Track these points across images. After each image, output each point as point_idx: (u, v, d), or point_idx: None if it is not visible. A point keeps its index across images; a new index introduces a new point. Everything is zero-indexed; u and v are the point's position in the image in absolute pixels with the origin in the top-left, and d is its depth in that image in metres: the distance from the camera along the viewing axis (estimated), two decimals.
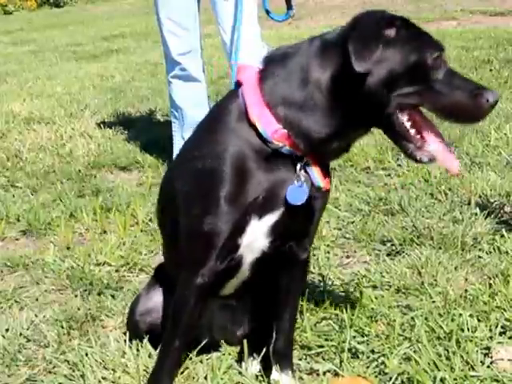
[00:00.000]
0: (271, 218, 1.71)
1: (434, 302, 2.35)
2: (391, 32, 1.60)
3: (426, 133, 1.67)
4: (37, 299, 2.65)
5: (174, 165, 2.01)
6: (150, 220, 3.32)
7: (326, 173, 1.76)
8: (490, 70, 6.24)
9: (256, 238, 1.73)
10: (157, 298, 2.09)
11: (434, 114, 1.65)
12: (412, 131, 1.66)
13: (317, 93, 1.63)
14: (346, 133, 1.68)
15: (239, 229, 1.70)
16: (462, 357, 1.99)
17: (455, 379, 1.89)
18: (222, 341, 2.10)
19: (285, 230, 1.74)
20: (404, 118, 1.64)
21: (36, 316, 2.50)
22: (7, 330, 2.37)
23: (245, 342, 2.01)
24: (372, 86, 1.58)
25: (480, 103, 1.61)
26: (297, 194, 1.68)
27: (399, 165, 3.86)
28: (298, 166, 1.68)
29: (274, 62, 1.70)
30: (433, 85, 1.61)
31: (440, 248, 2.79)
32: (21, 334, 2.35)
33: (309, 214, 1.77)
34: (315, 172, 1.71)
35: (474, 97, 1.61)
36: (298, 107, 1.65)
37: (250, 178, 1.67)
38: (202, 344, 2.04)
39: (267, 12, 3.26)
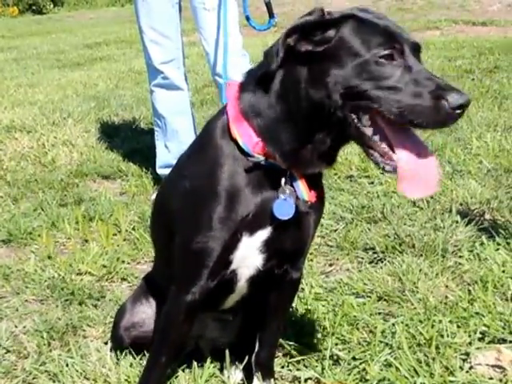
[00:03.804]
0: (263, 234, 1.67)
1: (414, 308, 2.37)
2: (293, 39, 1.54)
3: (396, 140, 1.51)
4: (17, 309, 2.63)
5: (167, 181, 2.00)
6: (133, 229, 3.31)
7: (315, 186, 1.70)
8: (472, 80, 6.32)
9: (249, 254, 1.70)
10: (143, 312, 2.08)
11: (390, 117, 1.47)
12: (375, 137, 1.52)
13: (277, 102, 1.60)
14: (313, 141, 1.58)
15: (230, 246, 1.67)
16: (441, 362, 2.01)
17: None
18: (205, 349, 2.10)
19: (279, 245, 1.71)
20: (364, 123, 1.51)
21: (16, 327, 2.48)
22: None
23: (227, 350, 2.02)
24: (310, 90, 1.53)
25: (440, 106, 1.44)
26: (283, 208, 1.63)
27: (382, 173, 3.88)
28: (283, 180, 1.63)
29: (250, 74, 1.69)
30: (382, 85, 1.46)
31: (421, 255, 2.81)
32: (0, 345, 2.33)
33: (302, 229, 1.73)
34: (300, 185, 1.65)
35: (434, 98, 1.45)
36: (267, 118, 1.61)
37: (238, 194, 1.64)
38: (185, 352, 2.04)
39: (247, 18, 3.27)
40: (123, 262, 2.99)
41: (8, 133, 5.33)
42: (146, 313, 2.07)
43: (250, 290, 1.83)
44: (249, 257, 1.70)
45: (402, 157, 1.50)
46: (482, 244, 2.85)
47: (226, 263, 1.71)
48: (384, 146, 1.52)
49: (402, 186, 1.50)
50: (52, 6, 22.11)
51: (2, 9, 21.27)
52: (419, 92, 1.46)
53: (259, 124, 1.62)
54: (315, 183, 1.70)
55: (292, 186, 1.65)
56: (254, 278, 1.77)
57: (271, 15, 3.25)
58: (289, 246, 1.73)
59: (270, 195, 1.64)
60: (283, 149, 1.61)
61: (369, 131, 1.52)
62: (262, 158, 1.62)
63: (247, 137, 1.62)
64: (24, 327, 2.46)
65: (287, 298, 1.94)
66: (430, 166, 1.51)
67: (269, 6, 3.24)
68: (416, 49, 1.56)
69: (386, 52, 1.48)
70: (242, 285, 1.79)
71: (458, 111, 1.44)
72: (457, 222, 3.08)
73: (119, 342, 2.12)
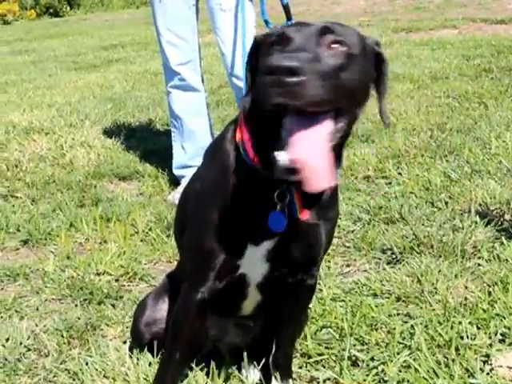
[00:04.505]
0: (268, 244, 1.65)
1: (433, 309, 2.36)
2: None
3: (297, 137, 1.36)
4: (37, 309, 2.66)
5: (187, 183, 2.01)
6: (150, 229, 3.33)
7: (316, 200, 1.61)
8: (491, 79, 6.26)
9: (254, 262, 1.68)
10: (165, 310, 2.08)
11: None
12: (284, 132, 1.40)
13: (253, 107, 1.56)
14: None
15: (235, 251, 1.66)
16: (461, 364, 1.99)
17: None
18: (223, 350, 2.10)
19: (287, 255, 1.69)
20: (286, 121, 1.40)
21: (36, 325, 2.50)
22: (7, 340, 2.38)
23: (245, 350, 2.02)
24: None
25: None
26: (276, 220, 1.58)
27: (400, 173, 3.87)
28: (276, 192, 1.57)
29: None
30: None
31: (440, 256, 2.79)
32: (21, 344, 2.35)
33: (312, 240, 1.70)
34: (295, 199, 1.58)
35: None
36: (255, 124, 1.57)
37: (240, 202, 1.61)
38: (202, 351, 2.04)
39: (266, 22, 3.26)
40: (140, 262, 3.00)
41: (27, 134, 5.37)
42: (167, 310, 2.08)
43: (264, 297, 1.82)
44: (255, 264, 1.69)
45: (295, 152, 1.35)
46: (501, 244, 2.83)
47: (233, 267, 1.70)
48: (287, 140, 1.38)
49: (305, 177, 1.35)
50: (69, 8, 22.29)
51: (20, 12, 21.49)
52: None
53: (250, 131, 1.59)
54: (316, 196, 1.59)
55: (288, 198, 1.57)
56: (264, 285, 1.76)
57: (289, 17, 3.24)
58: (298, 256, 1.71)
59: (268, 206, 1.59)
60: (263, 157, 1.53)
61: (284, 127, 1.42)
62: (257, 168, 1.57)
63: (247, 144, 1.59)
64: (44, 326, 2.48)
65: (302, 303, 1.93)
66: (318, 158, 1.35)
67: (287, 8, 3.23)
68: None
69: (272, 38, 1.47)
70: (252, 290, 1.78)
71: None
72: (476, 222, 3.05)
73: (139, 338, 2.12)
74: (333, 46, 1.42)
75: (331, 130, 1.41)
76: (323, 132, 1.39)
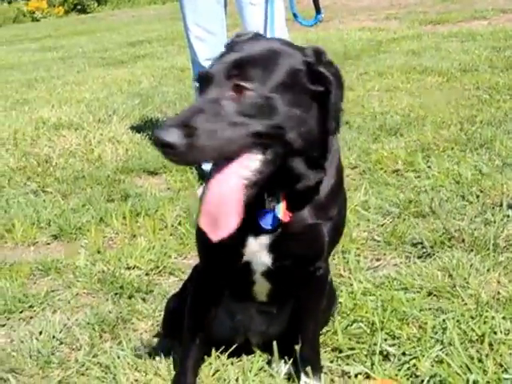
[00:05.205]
0: (267, 238, 1.73)
1: (465, 304, 2.33)
2: None
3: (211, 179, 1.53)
4: (69, 302, 2.69)
5: None
6: (179, 224, 3.34)
7: (298, 207, 1.71)
8: None
9: (256, 252, 1.76)
10: None
11: None
12: None
13: None
14: None
15: (237, 241, 1.71)
16: (494, 359, 1.97)
17: (488, 382, 1.88)
18: (254, 343, 2.10)
19: (288, 250, 1.76)
20: None
21: (68, 319, 2.53)
22: (41, 333, 2.41)
23: (275, 344, 2.02)
24: None
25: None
26: (264, 218, 1.68)
27: (429, 167, 3.83)
28: (267, 192, 1.66)
29: None
30: None
31: (472, 250, 2.76)
32: (54, 337, 2.38)
33: (312, 239, 1.76)
34: (281, 201, 1.68)
35: None
36: None
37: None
38: (235, 346, 2.06)
39: (295, 16, 3.25)
40: (170, 256, 3.02)
41: (56, 130, 5.43)
42: None
43: (272, 285, 1.87)
44: (257, 254, 1.76)
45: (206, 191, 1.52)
46: None
47: (237, 255, 1.76)
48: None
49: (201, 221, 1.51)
50: (96, 5, 22.48)
51: (49, 9, 21.72)
52: None
53: None
54: (303, 201, 1.70)
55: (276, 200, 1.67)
56: (269, 274, 1.81)
57: (318, 10, 3.23)
58: (299, 251, 1.77)
59: (262, 204, 1.68)
60: None
61: None
62: None
63: None
64: (76, 320, 2.51)
65: (315, 294, 1.94)
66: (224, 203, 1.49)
67: (316, 1, 3.22)
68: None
69: None
70: (259, 277, 1.84)
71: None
72: (508, 216, 3.01)
73: (170, 331, 2.17)
74: (240, 88, 1.49)
75: (242, 171, 1.50)
76: (231, 175, 1.50)
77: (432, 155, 4.01)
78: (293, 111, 1.53)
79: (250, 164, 1.51)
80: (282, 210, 1.68)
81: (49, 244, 3.36)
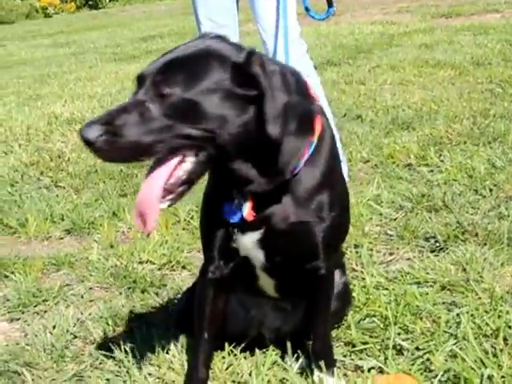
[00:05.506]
0: (254, 235, 1.75)
1: (479, 298, 2.31)
2: None
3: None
4: (82, 297, 2.70)
5: None
6: (192, 218, 3.34)
7: (265, 206, 1.71)
8: None
9: (248, 248, 1.78)
10: None
11: None
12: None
13: None
14: None
15: (227, 237, 1.77)
16: (509, 354, 1.95)
17: (503, 377, 1.86)
18: (268, 338, 2.10)
19: (278, 247, 1.77)
20: None
21: (82, 313, 2.54)
22: (54, 327, 2.42)
23: (288, 339, 2.02)
24: None
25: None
26: (229, 212, 1.73)
27: (442, 161, 3.81)
28: (236, 188, 1.70)
29: None
30: None
31: (485, 244, 2.74)
32: (67, 331, 2.40)
33: (303, 237, 1.76)
34: (248, 200, 1.70)
35: None
36: None
37: (223, 196, 1.75)
38: (248, 340, 2.06)
39: (307, 9, 3.23)
40: (183, 250, 3.03)
41: (69, 125, 5.45)
42: None
43: (276, 280, 1.89)
44: (250, 249, 1.79)
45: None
46: None
47: (232, 251, 1.80)
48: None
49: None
50: (108, 0, 22.53)
51: (61, 5, 21.80)
52: None
53: None
54: (269, 201, 1.71)
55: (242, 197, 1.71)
56: (269, 269, 1.83)
57: (330, 4, 3.20)
58: (290, 249, 1.78)
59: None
60: None
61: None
62: None
63: None
64: (89, 314, 2.52)
65: (319, 294, 1.93)
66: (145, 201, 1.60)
67: None
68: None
69: None
70: (260, 273, 1.86)
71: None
72: None
73: (183, 325, 2.17)
74: (164, 92, 1.54)
75: (167, 172, 1.58)
76: (154, 177, 1.59)
77: (444, 149, 3.99)
78: (222, 115, 1.53)
79: (182, 165, 1.58)
80: (247, 209, 1.71)
81: (62, 238, 3.37)
